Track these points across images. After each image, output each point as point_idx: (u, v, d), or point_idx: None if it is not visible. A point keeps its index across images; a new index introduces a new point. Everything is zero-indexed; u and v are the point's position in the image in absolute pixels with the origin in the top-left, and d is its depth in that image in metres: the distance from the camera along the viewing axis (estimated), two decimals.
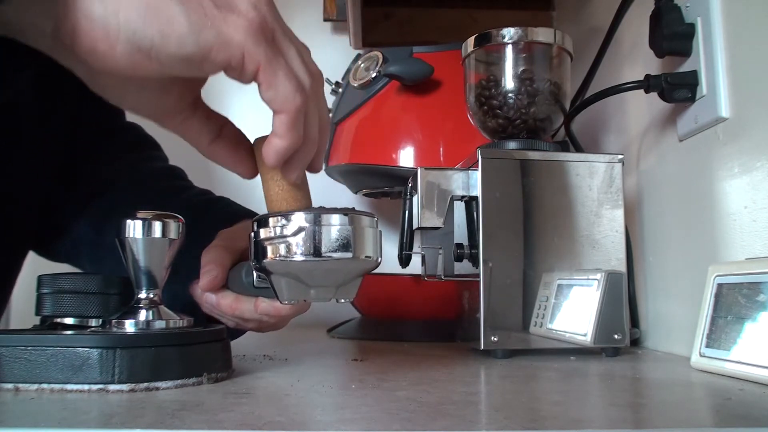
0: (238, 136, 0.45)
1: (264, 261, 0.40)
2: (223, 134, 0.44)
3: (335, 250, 0.39)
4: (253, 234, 0.42)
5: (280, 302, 0.43)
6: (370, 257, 0.41)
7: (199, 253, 0.54)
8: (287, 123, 0.39)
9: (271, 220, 0.40)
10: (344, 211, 0.40)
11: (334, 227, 0.39)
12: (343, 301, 0.43)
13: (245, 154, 0.45)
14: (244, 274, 0.50)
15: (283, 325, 0.57)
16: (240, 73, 0.38)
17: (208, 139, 0.43)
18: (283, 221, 0.40)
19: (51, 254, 0.73)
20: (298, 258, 0.39)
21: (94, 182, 0.70)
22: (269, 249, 0.40)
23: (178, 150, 0.78)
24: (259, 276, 0.47)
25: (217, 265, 0.53)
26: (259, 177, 0.45)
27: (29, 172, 0.65)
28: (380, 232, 0.43)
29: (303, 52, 0.42)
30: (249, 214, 0.65)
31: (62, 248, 0.72)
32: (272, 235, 0.40)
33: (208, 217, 0.63)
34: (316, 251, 0.39)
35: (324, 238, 0.39)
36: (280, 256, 0.39)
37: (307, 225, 0.39)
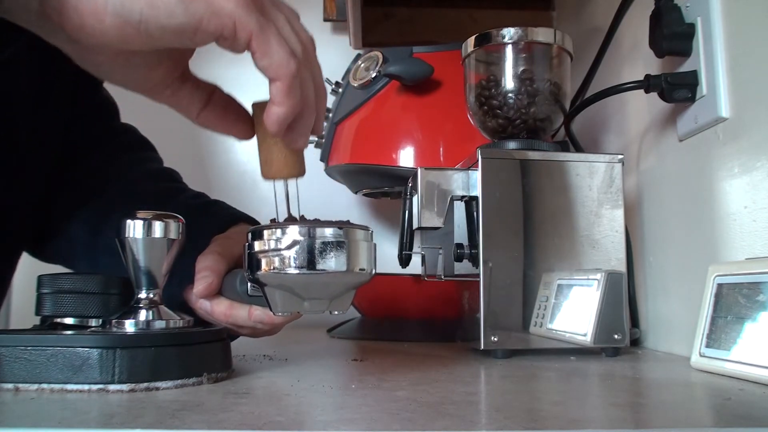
0: (228, 101, 0.45)
1: (258, 273, 0.40)
2: (213, 101, 0.44)
3: (329, 263, 0.39)
4: (247, 245, 0.41)
5: (273, 314, 0.43)
6: (364, 270, 0.41)
7: (194, 256, 0.54)
8: (284, 90, 0.39)
9: (265, 233, 0.40)
10: (339, 224, 0.40)
11: (329, 240, 0.39)
12: (336, 312, 0.43)
13: (238, 117, 0.45)
14: (238, 283, 0.50)
15: (277, 332, 0.58)
16: (232, 42, 0.38)
17: (198, 107, 0.43)
18: (278, 234, 0.40)
19: (45, 255, 0.73)
20: (292, 271, 0.39)
21: (89, 184, 0.70)
22: (263, 261, 0.40)
23: (173, 151, 0.79)
24: (253, 285, 0.47)
25: (212, 271, 0.53)
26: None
27: (24, 174, 0.65)
28: (375, 244, 0.42)
29: (292, 18, 0.42)
30: (245, 218, 0.65)
31: (58, 249, 0.72)
32: (266, 247, 0.40)
33: (204, 220, 0.63)
34: (310, 264, 0.39)
35: (318, 251, 0.39)
36: (274, 268, 0.39)
37: (301, 238, 0.39)
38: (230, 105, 0.45)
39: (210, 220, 0.62)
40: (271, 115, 0.40)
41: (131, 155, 0.74)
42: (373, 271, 0.42)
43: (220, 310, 0.54)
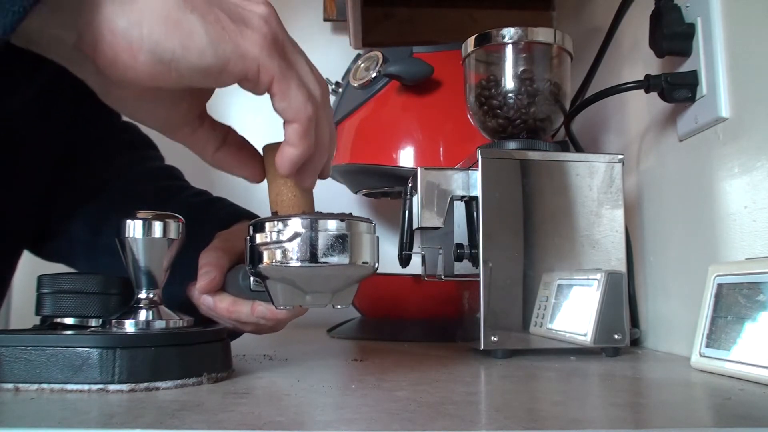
0: (242, 142, 0.46)
1: (259, 266, 0.40)
2: (227, 142, 0.45)
3: (332, 256, 0.38)
4: (248, 238, 0.41)
5: (275, 308, 0.43)
6: (367, 263, 0.40)
7: (196, 253, 0.55)
8: (300, 132, 0.40)
9: (267, 225, 0.40)
10: (341, 217, 0.39)
11: (331, 233, 0.39)
12: (339, 306, 0.43)
13: (251, 159, 0.46)
14: (240, 278, 0.50)
15: (281, 328, 0.58)
16: (255, 84, 0.39)
17: (214, 147, 0.44)
18: (280, 226, 0.39)
19: (46, 254, 0.74)
20: (294, 264, 0.39)
21: (90, 183, 0.70)
22: (265, 254, 0.39)
23: (175, 149, 0.78)
24: (255, 280, 0.47)
25: (214, 267, 0.53)
26: (264, 182, 0.46)
27: (25, 174, 0.65)
28: (377, 237, 0.42)
29: (309, 63, 0.43)
30: (248, 215, 0.65)
31: (58, 248, 0.72)
32: (268, 240, 0.39)
33: (207, 217, 0.63)
34: (312, 257, 0.38)
35: (320, 243, 0.38)
36: (275, 261, 0.39)
37: (303, 230, 0.39)
38: (244, 146, 0.46)
39: (212, 218, 0.63)
40: (284, 156, 0.41)
41: (132, 154, 0.74)
42: (376, 265, 0.41)
43: (223, 306, 0.54)
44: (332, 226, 0.39)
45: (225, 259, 0.54)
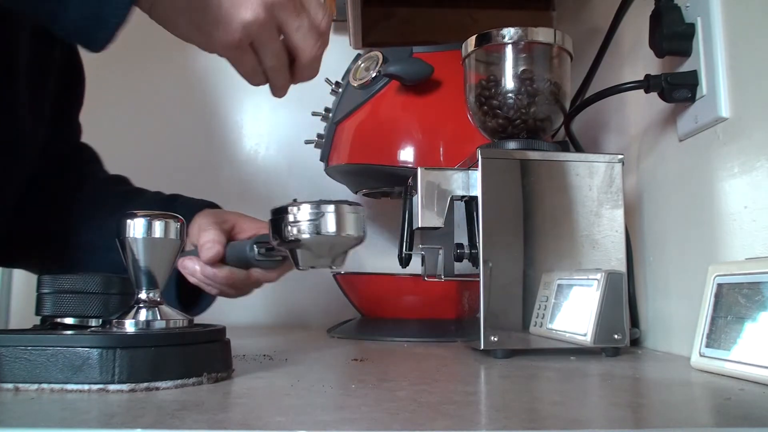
0: None
1: (289, 236, 0.52)
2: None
3: (331, 229, 0.51)
4: (273, 220, 0.53)
5: (297, 269, 0.55)
6: (351, 234, 0.52)
7: None
8: None
9: (289, 209, 0.52)
10: (336, 202, 0.52)
11: (329, 213, 0.51)
12: (334, 268, 0.56)
13: None
14: (248, 249, 0.65)
15: (247, 293, 0.72)
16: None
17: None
18: (295, 210, 0.52)
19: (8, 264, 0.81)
20: (306, 235, 0.51)
21: (61, 195, 0.76)
22: (290, 228, 0.52)
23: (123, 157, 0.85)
24: (260, 251, 0.64)
25: (216, 242, 0.66)
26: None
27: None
28: (363, 215, 0.53)
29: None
30: (209, 204, 0.76)
31: (27, 263, 0.77)
32: (292, 219, 0.52)
33: (181, 210, 0.70)
34: (319, 230, 0.51)
35: (322, 222, 0.51)
36: (298, 234, 0.52)
37: (311, 212, 0.51)
38: None
39: (185, 209, 0.71)
40: None
41: (93, 165, 0.83)
42: (361, 235, 0.53)
43: (223, 274, 0.67)
44: (330, 208, 0.51)
45: (222, 236, 0.67)
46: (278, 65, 0.54)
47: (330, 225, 0.51)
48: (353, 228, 0.52)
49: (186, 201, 0.77)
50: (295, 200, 0.54)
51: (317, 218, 0.51)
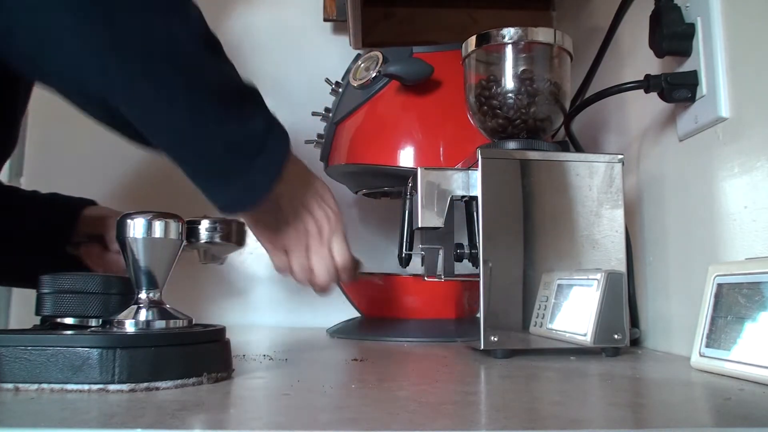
0: None
1: (194, 240, 0.59)
2: None
3: (211, 238, 0.59)
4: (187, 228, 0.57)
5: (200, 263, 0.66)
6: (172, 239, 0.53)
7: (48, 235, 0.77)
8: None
9: (201, 222, 0.59)
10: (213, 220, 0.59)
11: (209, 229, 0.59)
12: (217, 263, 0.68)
13: None
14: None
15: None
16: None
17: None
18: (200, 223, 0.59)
19: None
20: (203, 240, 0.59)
21: None
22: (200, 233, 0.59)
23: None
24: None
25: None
26: None
27: None
28: (181, 226, 0.53)
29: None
30: (88, 202, 0.83)
31: None
32: (200, 228, 0.59)
33: (65, 203, 0.81)
34: (209, 237, 0.59)
35: (211, 233, 0.59)
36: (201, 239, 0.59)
37: (207, 226, 0.59)
38: None
39: (70, 202, 0.80)
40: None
41: None
42: (180, 241, 0.52)
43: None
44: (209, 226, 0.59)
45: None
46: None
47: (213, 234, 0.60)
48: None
49: (68, 197, 0.83)
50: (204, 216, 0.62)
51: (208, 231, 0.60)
